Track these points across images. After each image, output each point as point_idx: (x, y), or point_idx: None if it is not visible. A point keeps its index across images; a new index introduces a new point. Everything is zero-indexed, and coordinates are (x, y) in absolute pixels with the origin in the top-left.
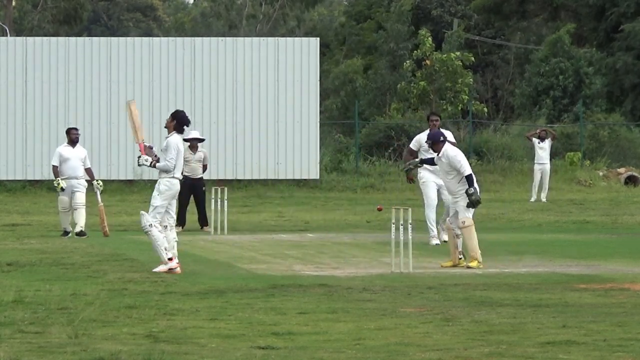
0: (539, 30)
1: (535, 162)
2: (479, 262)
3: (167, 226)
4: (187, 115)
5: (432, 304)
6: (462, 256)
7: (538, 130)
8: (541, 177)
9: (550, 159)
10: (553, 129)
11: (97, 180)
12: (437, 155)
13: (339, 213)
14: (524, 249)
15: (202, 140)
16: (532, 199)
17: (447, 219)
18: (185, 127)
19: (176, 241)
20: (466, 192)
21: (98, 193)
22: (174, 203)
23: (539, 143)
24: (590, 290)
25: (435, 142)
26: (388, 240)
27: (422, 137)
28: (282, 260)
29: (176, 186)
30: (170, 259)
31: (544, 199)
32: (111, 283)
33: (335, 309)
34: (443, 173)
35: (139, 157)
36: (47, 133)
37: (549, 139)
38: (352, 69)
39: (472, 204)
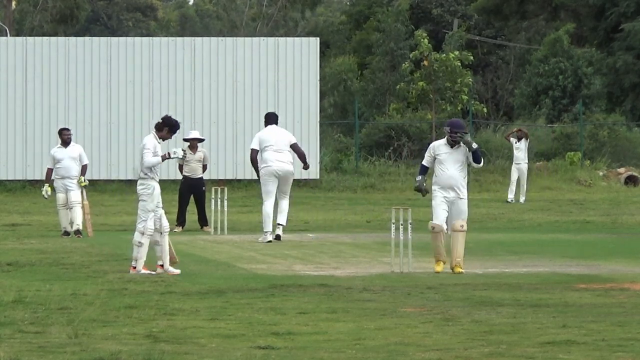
0: (540, 30)
1: (513, 162)
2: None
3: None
4: (170, 119)
5: (432, 304)
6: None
7: (515, 130)
8: (519, 177)
9: (528, 159)
10: (552, 130)
11: (81, 177)
12: (456, 145)
13: (339, 213)
14: (524, 249)
15: (201, 140)
16: (510, 199)
17: (440, 221)
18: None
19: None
20: (474, 143)
21: (84, 191)
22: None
23: (515, 143)
24: (590, 290)
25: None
26: (388, 240)
27: (263, 135)
28: (282, 260)
29: None
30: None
31: (521, 200)
32: (111, 283)
33: (335, 309)
34: (454, 163)
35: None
36: (47, 133)
37: (524, 138)
38: (345, 68)
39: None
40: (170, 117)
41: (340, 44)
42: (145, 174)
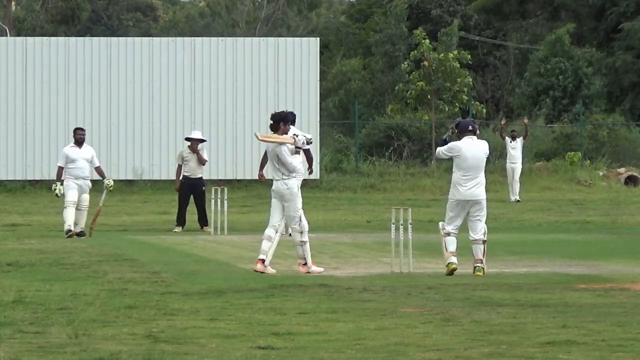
0: (538, 30)
1: (507, 161)
2: None
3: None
4: (279, 113)
5: (432, 304)
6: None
7: (509, 130)
8: (513, 175)
9: (523, 159)
10: (552, 130)
11: (107, 179)
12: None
13: (339, 213)
14: (524, 249)
15: (203, 141)
16: (512, 199)
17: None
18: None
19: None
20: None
21: (105, 192)
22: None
23: (510, 142)
24: (590, 290)
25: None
26: (388, 240)
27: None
28: (282, 260)
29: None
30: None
31: (517, 198)
32: (111, 283)
33: (335, 309)
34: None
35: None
36: (47, 133)
37: (521, 138)
38: (350, 68)
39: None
40: (275, 113)
41: (352, 45)
42: (288, 175)
